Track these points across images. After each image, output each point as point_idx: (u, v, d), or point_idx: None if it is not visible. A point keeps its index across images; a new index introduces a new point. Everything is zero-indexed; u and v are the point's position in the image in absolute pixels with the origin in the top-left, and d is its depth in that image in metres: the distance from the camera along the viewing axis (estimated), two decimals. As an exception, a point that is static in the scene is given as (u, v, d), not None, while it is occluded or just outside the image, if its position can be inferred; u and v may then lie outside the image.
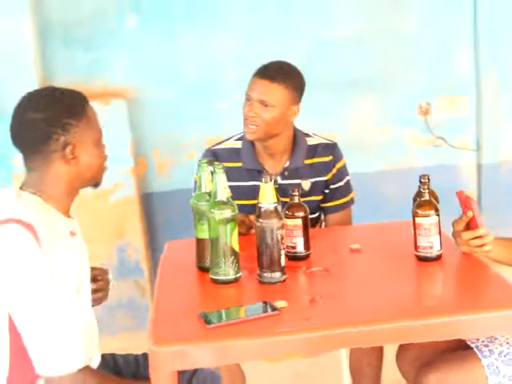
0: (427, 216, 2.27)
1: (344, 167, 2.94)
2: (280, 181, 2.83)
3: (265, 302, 1.99)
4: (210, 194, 2.25)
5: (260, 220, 2.16)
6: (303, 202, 2.56)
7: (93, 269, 2.32)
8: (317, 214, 2.92)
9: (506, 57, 4.47)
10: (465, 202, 2.33)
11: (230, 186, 2.63)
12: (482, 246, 2.27)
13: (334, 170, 2.90)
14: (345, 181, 2.94)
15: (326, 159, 2.90)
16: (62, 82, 3.96)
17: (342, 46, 4.36)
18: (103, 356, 2.31)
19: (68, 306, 1.98)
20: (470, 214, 2.28)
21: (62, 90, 2.13)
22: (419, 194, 2.32)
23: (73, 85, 3.91)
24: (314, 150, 2.90)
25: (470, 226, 2.30)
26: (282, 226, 2.17)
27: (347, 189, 2.95)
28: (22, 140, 2.05)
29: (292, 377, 3.50)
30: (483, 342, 2.29)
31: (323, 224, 3.00)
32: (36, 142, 2.03)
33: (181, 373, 2.27)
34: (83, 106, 2.08)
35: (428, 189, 2.33)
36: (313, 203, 2.86)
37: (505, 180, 4.62)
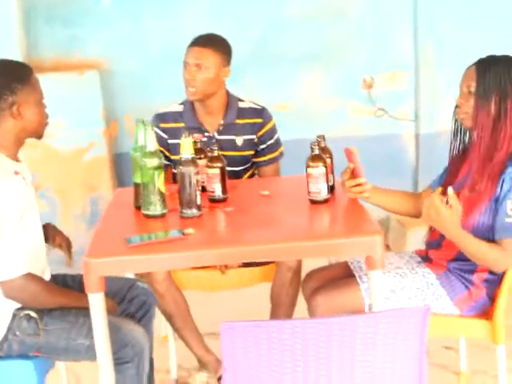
0: (316, 167, 2.73)
1: (273, 127, 3.43)
2: (217, 136, 3.35)
3: (177, 230, 2.52)
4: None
5: (180, 167, 2.67)
6: (239, 156, 3.16)
7: (56, 236, 2.87)
8: (247, 165, 3.42)
9: (443, 34, 4.90)
10: (349, 155, 2.81)
11: (175, 144, 3.20)
12: (361, 192, 2.82)
13: (264, 130, 3.39)
14: (275, 138, 3.44)
15: (256, 121, 3.38)
16: (43, 55, 4.53)
17: (294, 25, 4.83)
18: (55, 275, 2.83)
19: (12, 226, 2.44)
20: (351, 165, 2.79)
21: (13, 61, 2.70)
22: (311, 149, 2.77)
23: (53, 58, 4.52)
24: (244, 112, 3.38)
25: (353, 176, 2.83)
26: (198, 173, 2.66)
27: (276, 145, 3.45)
28: None
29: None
30: (365, 272, 2.72)
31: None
32: None
33: (115, 291, 2.82)
34: (28, 74, 2.60)
35: (318, 146, 2.77)
36: (246, 157, 3.39)
37: (441, 149, 4.94)
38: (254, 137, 3.40)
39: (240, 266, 3.25)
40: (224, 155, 2.95)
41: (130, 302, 2.85)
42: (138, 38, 4.75)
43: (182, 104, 3.41)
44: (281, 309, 3.25)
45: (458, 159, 2.85)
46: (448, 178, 2.86)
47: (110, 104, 4.66)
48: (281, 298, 3.23)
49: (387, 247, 4.78)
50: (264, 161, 3.45)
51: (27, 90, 2.57)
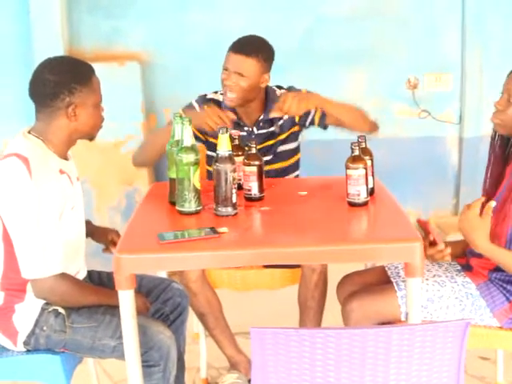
0: (356, 169, 2.65)
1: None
2: (256, 131, 3.28)
3: (210, 228, 2.46)
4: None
5: (217, 164, 2.61)
6: (281, 151, 3.14)
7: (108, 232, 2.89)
8: (292, 162, 3.35)
9: (490, 37, 4.82)
10: (425, 226, 2.65)
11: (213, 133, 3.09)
12: (443, 257, 2.64)
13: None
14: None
15: None
16: (85, 46, 4.52)
17: (339, 23, 4.77)
18: (91, 272, 2.82)
19: (49, 225, 2.41)
20: (431, 237, 2.62)
21: (75, 59, 2.65)
22: (352, 150, 2.68)
23: (94, 48, 4.51)
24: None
25: (433, 243, 2.63)
26: (234, 170, 2.60)
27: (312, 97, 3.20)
28: (36, 94, 2.53)
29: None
30: (403, 278, 2.70)
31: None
32: (46, 98, 2.50)
33: (150, 290, 2.80)
34: (89, 75, 2.56)
35: (359, 147, 2.67)
36: (287, 152, 3.32)
37: (485, 153, 4.92)
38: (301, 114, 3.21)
39: (270, 267, 3.18)
40: (264, 147, 2.91)
41: (165, 303, 2.81)
42: (181, 31, 4.70)
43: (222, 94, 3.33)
44: (308, 313, 3.21)
45: (500, 163, 2.77)
46: (490, 184, 2.78)
47: (149, 97, 4.63)
48: (307, 301, 3.19)
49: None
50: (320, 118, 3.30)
51: (86, 91, 2.52)
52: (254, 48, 3.17)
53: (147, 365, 2.47)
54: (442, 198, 5.07)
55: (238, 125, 3.23)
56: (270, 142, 3.27)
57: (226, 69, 3.18)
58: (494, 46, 4.83)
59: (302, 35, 4.76)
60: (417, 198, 4.99)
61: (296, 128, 3.33)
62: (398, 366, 1.75)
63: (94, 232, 2.89)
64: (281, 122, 3.30)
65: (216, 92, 3.35)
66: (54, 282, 2.45)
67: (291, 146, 3.36)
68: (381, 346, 1.70)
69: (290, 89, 3.31)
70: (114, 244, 2.83)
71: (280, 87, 3.36)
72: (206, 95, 3.35)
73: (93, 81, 2.56)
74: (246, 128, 3.26)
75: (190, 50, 4.72)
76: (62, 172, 2.54)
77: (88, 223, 2.82)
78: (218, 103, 3.29)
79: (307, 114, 3.24)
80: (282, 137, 3.32)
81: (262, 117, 3.29)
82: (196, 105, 3.29)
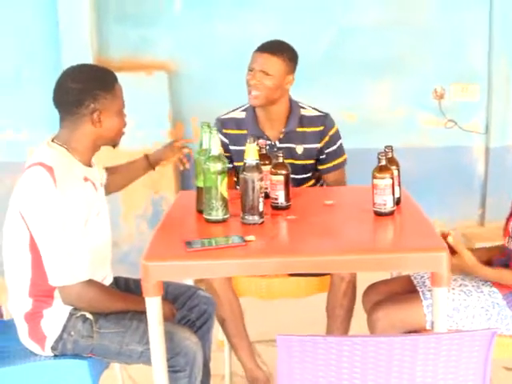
0: (383, 178, 2.66)
1: (336, 133, 3.36)
2: (278, 144, 3.30)
3: (237, 236, 2.49)
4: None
5: (244, 173, 2.63)
6: (299, 165, 3.10)
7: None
8: (309, 175, 3.38)
9: (517, 48, 4.78)
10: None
11: (237, 150, 3.18)
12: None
13: (327, 138, 3.33)
14: (338, 144, 3.36)
15: (318, 129, 3.32)
16: (113, 55, 4.56)
17: (364, 33, 4.76)
18: (118, 278, 2.85)
19: (75, 232, 2.45)
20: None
21: (98, 67, 2.71)
22: (379, 160, 2.69)
23: (122, 58, 4.56)
24: (307, 120, 3.32)
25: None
26: (262, 179, 2.63)
27: (340, 151, 3.38)
28: (61, 102, 2.57)
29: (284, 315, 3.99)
30: (429, 287, 2.69)
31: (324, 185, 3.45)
32: (71, 106, 2.54)
33: (176, 297, 2.83)
34: (112, 83, 2.60)
35: (385, 157, 2.69)
36: (306, 166, 3.34)
37: (511, 163, 5.01)
38: (317, 145, 3.34)
39: (296, 275, 3.19)
40: (291, 164, 2.94)
41: (191, 310, 2.83)
42: (208, 41, 4.73)
43: (244, 111, 3.38)
44: (336, 321, 3.20)
45: None
46: None
47: (176, 105, 4.66)
48: (335, 309, 3.19)
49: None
50: (329, 167, 3.39)
51: (110, 98, 2.56)
52: (279, 47, 3.25)
53: (173, 370, 2.50)
54: (468, 208, 5.06)
55: (261, 138, 3.24)
56: (290, 161, 3.26)
57: (251, 69, 3.24)
58: (521, 56, 4.80)
59: (326, 46, 4.78)
60: (443, 208, 4.98)
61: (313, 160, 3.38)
62: (423, 375, 1.76)
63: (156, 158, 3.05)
64: (307, 145, 3.33)
65: (235, 109, 3.40)
66: (81, 289, 2.48)
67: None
68: (407, 355, 1.71)
69: (326, 117, 3.35)
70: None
71: (314, 108, 3.38)
72: (220, 117, 3.40)
73: (116, 87, 2.60)
74: (268, 142, 3.28)
75: (216, 60, 4.75)
76: (86, 179, 2.57)
77: (146, 157, 3.03)
78: (238, 122, 3.35)
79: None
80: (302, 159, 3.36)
81: (283, 129, 3.31)
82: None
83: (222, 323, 3.22)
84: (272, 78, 3.20)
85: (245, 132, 3.30)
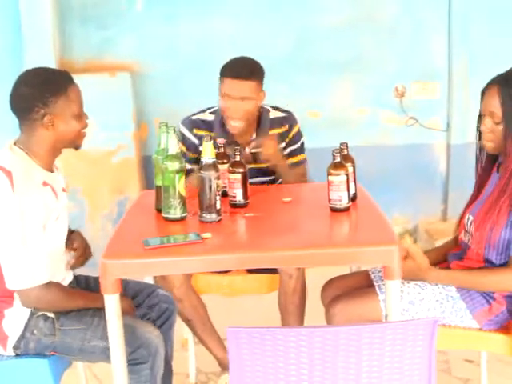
0: (337, 175, 2.70)
1: (298, 132, 3.40)
2: (248, 151, 3.30)
3: (194, 233, 2.52)
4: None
5: (201, 171, 2.67)
6: (268, 166, 3.20)
7: (75, 241, 2.82)
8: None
9: (476, 45, 4.87)
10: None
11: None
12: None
13: (290, 136, 3.37)
14: (299, 143, 3.40)
15: (283, 129, 3.36)
16: (76, 57, 4.58)
17: (327, 32, 4.82)
18: (78, 276, 2.86)
19: (34, 237, 2.44)
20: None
21: (52, 70, 2.68)
22: (333, 157, 2.73)
23: (85, 59, 4.57)
24: (274, 123, 3.35)
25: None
26: (218, 177, 2.66)
27: (301, 149, 3.41)
28: (15, 108, 2.56)
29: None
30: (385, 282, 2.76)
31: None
32: (23, 111, 2.54)
33: (136, 293, 2.85)
34: (65, 86, 2.56)
35: (340, 154, 2.72)
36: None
37: (472, 160, 4.97)
38: (283, 144, 3.37)
39: (254, 272, 3.23)
40: (259, 168, 3.03)
41: (151, 309, 2.86)
42: (170, 41, 4.77)
43: (212, 113, 3.36)
44: (289, 318, 3.25)
45: (485, 172, 2.82)
46: (473, 196, 2.84)
47: (140, 106, 4.69)
48: (287, 306, 3.24)
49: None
50: (290, 164, 3.38)
51: (62, 101, 2.53)
52: (251, 69, 3.23)
53: (135, 362, 2.53)
54: (431, 205, 5.13)
55: (233, 143, 3.22)
56: (264, 165, 3.31)
57: (225, 95, 3.21)
58: (480, 54, 4.88)
59: (290, 45, 4.83)
60: (406, 205, 5.06)
61: None
62: (369, 364, 1.81)
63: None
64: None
65: (204, 111, 3.39)
66: (40, 292, 2.49)
67: None
68: (352, 344, 1.76)
69: (289, 116, 3.40)
70: (74, 250, 2.83)
71: (276, 108, 3.42)
72: (190, 117, 3.38)
73: (69, 90, 2.56)
74: (239, 148, 3.28)
75: (179, 60, 4.78)
76: (45, 184, 2.56)
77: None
78: (208, 124, 3.34)
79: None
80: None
81: (254, 136, 3.34)
82: (185, 130, 3.34)
83: (188, 323, 3.26)
84: (250, 101, 3.20)
85: (213, 135, 3.23)
